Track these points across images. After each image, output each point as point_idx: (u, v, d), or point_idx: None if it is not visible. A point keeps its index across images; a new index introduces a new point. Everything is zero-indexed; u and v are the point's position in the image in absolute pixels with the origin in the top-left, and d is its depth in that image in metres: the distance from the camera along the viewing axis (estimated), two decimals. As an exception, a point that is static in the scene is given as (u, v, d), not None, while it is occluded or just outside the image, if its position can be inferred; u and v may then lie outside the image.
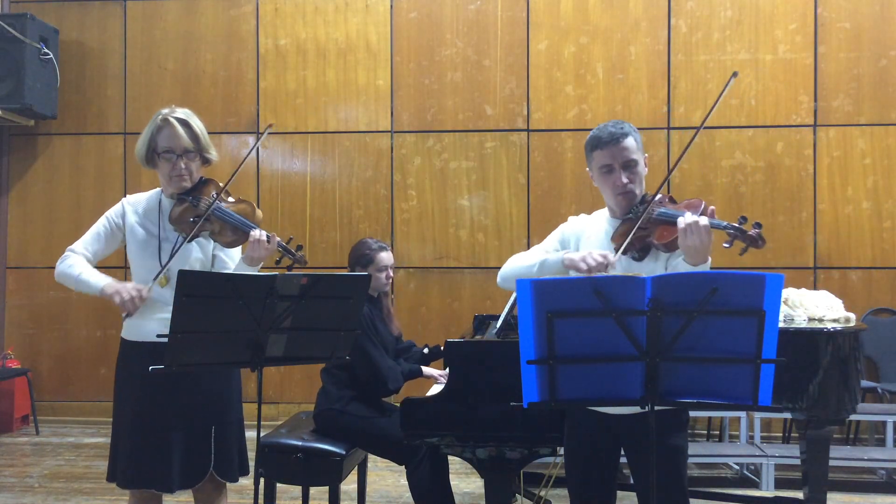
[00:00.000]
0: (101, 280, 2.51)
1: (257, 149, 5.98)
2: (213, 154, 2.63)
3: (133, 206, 2.64)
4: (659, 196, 2.27)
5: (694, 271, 2.09)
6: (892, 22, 5.59)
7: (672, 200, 2.31)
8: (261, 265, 2.52)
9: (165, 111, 2.58)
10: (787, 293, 3.19)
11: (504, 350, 2.72)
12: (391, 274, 3.52)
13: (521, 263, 2.44)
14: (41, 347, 6.13)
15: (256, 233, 2.46)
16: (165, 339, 2.03)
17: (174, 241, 2.54)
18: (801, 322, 3.07)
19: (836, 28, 5.61)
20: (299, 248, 2.54)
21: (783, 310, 3.09)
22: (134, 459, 2.49)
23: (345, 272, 2.37)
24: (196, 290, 2.01)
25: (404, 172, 5.92)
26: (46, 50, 5.80)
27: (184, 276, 2.01)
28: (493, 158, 5.85)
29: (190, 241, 2.51)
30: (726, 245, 2.12)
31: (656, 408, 2.11)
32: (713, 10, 5.71)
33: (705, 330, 1.75)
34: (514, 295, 2.76)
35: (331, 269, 5.77)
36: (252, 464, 2.54)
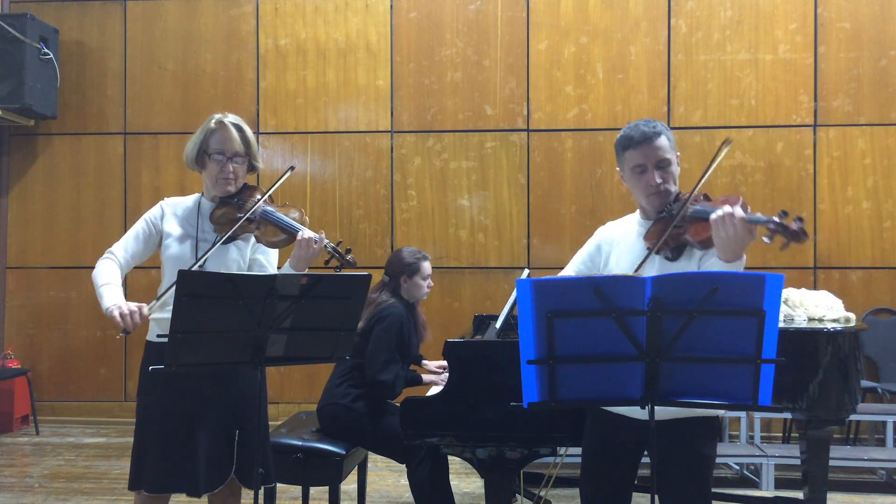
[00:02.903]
0: (110, 299, 2.43)
1: (258, 149, 5.97)
2: (260, 162, 2.67)
3: (172, 207, 2.63)
4: (694, 194, 2.20)
5: (693, 271, 2.08)
6: (892, 22, 5.59)
7: (707, 198, 2.25)
8: (307, 269, 2.50)
9: (219, 115, 2.60)
10: (787, 293, 3.19)
11: (504, 350, 2.72)
12: (431, 284, 3.58)
13: None
14: (41, 347, 6.12)
15: (305, 233, 2.45)
16: (165, 339, 2.03)
17: (212, 241, 2.52)
18: (801, 322, 3.08)
19: (836, 28, 5.61)
20: (348, 251, 2.53)
21: (783, 310, 3.09)
22: (164, 463, 2.45)
23: (345, 272, 2.36)
24: (196, 289, 2.01)
25: (404, 172, 5.92)
26: (46, 50, 5.80)
27: (184, 276, 2.01)
28: (493, 158, 5.85)
29: (228, 240, 2.52)
30: (767, 240, 2.02)
31: (687, 415, 2.13)
32: (713, 10, 5.71)
33: (705, 330, 1.75)
34: (514, 294, 2.76)
35: (330, 269, 5.75)
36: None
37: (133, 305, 2.36)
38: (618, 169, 2.38)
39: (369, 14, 5.97)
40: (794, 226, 1.97)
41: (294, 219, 2.55)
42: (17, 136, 6.18)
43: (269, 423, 3.24)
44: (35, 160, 6.19)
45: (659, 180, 2.22)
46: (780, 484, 4.33)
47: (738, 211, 1.98)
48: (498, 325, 3.18)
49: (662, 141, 2.24)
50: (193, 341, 2.07)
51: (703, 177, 2.20)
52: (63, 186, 6.14)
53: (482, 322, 3.93)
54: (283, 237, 2.53)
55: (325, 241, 2.49)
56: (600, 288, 1.74)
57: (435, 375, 3.64)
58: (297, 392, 5.93)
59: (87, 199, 6.09)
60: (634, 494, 2.35)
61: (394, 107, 5.93)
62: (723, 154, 2.18)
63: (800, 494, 2.94)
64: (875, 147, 5.59)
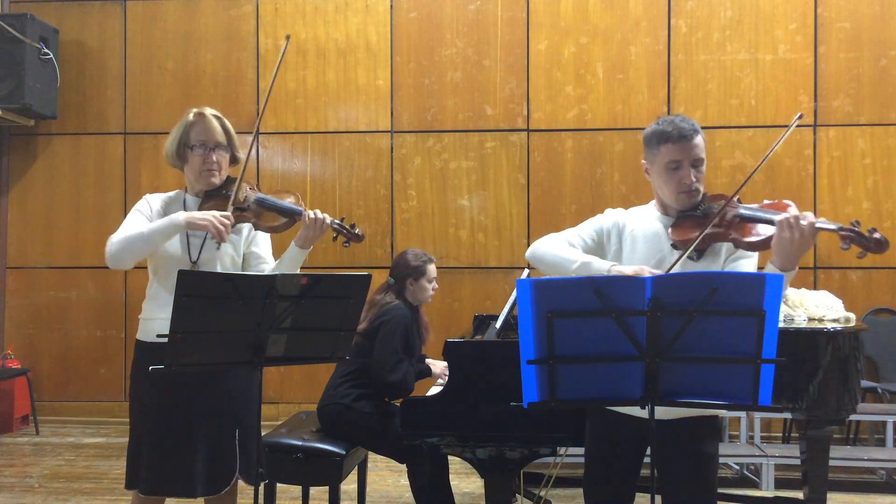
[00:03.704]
0: (173, 216, 2.38)
1: (258, 149, 5.99)
2: (242, 154, 2.61)
3: (158, 203, 2.56)
4: (736, 197, 2.19)
5: (694, 271, 2.08)
6: (892, 22, 5.59)
7: (739, 202, 2.22)
8: (311, 247, 2.50)
9: (196, 109, 2.55)
10: (787, 293, 3.19)
11: (504, 350, 2.72)
12: (436, 287, 3.59)
13: (560, 253, 2.27)
14: (41, 347, 6.12)
15: (312, 213, 2.44)
16: (165, 339, 2.02)
17: (203, 237, 2.48)
18: (801, 322, 3.08)
19: (836, 28, 5.61)
20: (353, 225, 2.52)
21: (783, 310, 3.09)
22: (158, 464, 2.43)
23: (345, 272, 2.36)
24: (196, 289, 2.01)
25: (404, 172, 5.92)
26: (46, 50, 5.80)
27: (183, 275, 2.01)
28: (493, 158, 5.85)
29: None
30: (844, 247, 1.99)
31: (689, 415, 2.13)
32: (713, 10, 5.71)
33: (705, 330, 1.75)
34: (514, 295, 2.76)
35: (330, 269, 5.77)
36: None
37: (221, 216, 2.35)
38: (643, 162, 2.33)
39: (369, 14, 5.97)
40: (875, 234, 1.95)
41: (291, 202, 2.53)
42: (17, 136, 6.18)
43: (270, 423, 3.24)
44: (35, 160, 6.18)
45: (693, 179, 2.21)
46: (780, 484, 4.33)
47: (809, 215, 1.97)
48: (498, 325, 3.18)
49: (700, 140, 2.23)
50: (193, 341, 2.07)
51: (771, 150, 2.18)
52: (63, 186, 6.14)
53: (482, 322, 3.93)
54: (283, 221, 2.50)
55: (330, 219, 2.48)
56: (600, 288, 1.74)
57: (439, 370, 3.63)
58: (297, 392, 5.93)
59: (87, 199, 6.09)
60: (636, 494, 2.35)
61: (394, 107, 5.93)
62: (794, 125, 2.13)
63: (800, 494, 2.94)
64: (875, 147, 5.59)
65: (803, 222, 1.96)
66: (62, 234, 6.06)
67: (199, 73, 6.05)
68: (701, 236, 2.11)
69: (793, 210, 2.02)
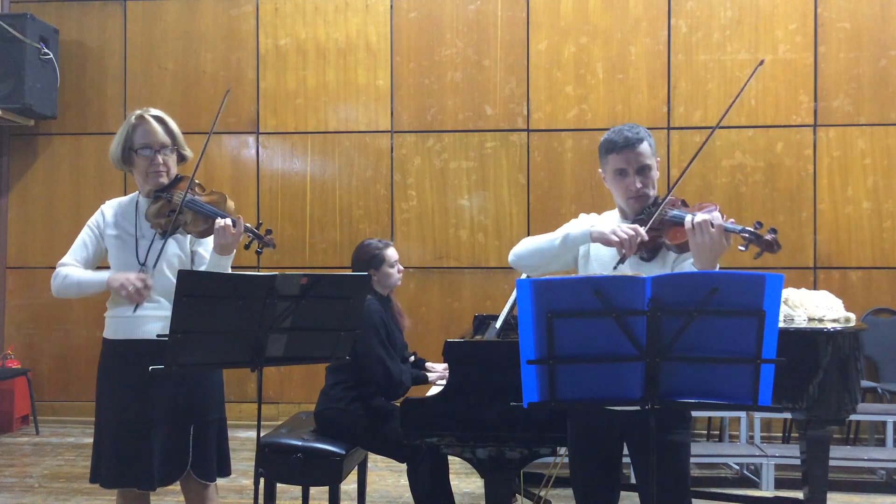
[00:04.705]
0: (102, 274, 2.53)
1: (258, 149, 5.98)
2: (189, 151, 2.67)
3: (112, 209, 2.66)
4: (672, 198, 2.27)
5: (695, 271, 2.09)
6: (892, 22, 5.59)
7: (684, 204, 2.31)
8: (233, 253, 2.48)
9: (139, 111, 2.62)
10: (787, 293, 3.19)
11: (504, 350, 2.72)
12: (401, 268, 3.56)
13: (538, 241, 2.40)
14: (41, 347, 6.13)
15: (220, 221, 2.43)
16: (165, 339, 2.03)
17: (150, 238, 2.55)
18: (801, 322, 3.07)
19: (836, 28, 5.61)
20: (269, 231, 2.49)
21: (783, 310, 3.09)
22: (117, 458, 2.49)
23: (345, 272, 2.35)
24: (196, 289, 2.01)
25: (404, 172, 5.92)
26: (46, 50, 5.80)
27: (183, 275, 2.01)
28: (493, 158, 5.85)
29: (166, 236, 2.51)
30: (742, 248, 2.10)
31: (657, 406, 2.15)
32: (713, 10, 5.71)
33: (705, 330, 1.75)
34: (514, 295, 2.76)
35: (331, 269, 5.77)
36: (242, 464, 2.52)
37: (136, 280, 2.44)
38: (600, 171, 2.46)
39: (369, 14, 5.97)
40: (768, 236, 2.05)
41: (216, 203, 2.53)
42: (17, 136, 6.18)
43: (270, 423, 3.23)
44: (35, 160, 6.18)
45: (639, 185, 2.30)
46: (780, 484, 4.33)
47: (717, 218, 2.07)
48: (498, 325, 3.18)
49: (644, 147, 2.31)
50: (193, 341, 2.07)
51: (730, 106, 2.31)
52: (63, 186, 6.14)
53: (482, 322, 3.92)
54: (206, 226, 2.50)
55: (245, 224, 2.45)
56: (600, 288, 1.74)
57: (435, 377, 3.63)
58: (297, 392, 5.92)
59: (87, 199, 6.08)
60: (625, 494, 2.36)
61: (394, 107, 5.93)
62: (755, 72, 2.26)
63: (800, 494, 2.94)
64: (875, 147, 5.58)
65: (711, 228, 2.05)
66: (62, 234, 6.05)
67: (199, 73, 6.05)
68: (638, 241, 2.18)
69: (711, 212, 2.10)
